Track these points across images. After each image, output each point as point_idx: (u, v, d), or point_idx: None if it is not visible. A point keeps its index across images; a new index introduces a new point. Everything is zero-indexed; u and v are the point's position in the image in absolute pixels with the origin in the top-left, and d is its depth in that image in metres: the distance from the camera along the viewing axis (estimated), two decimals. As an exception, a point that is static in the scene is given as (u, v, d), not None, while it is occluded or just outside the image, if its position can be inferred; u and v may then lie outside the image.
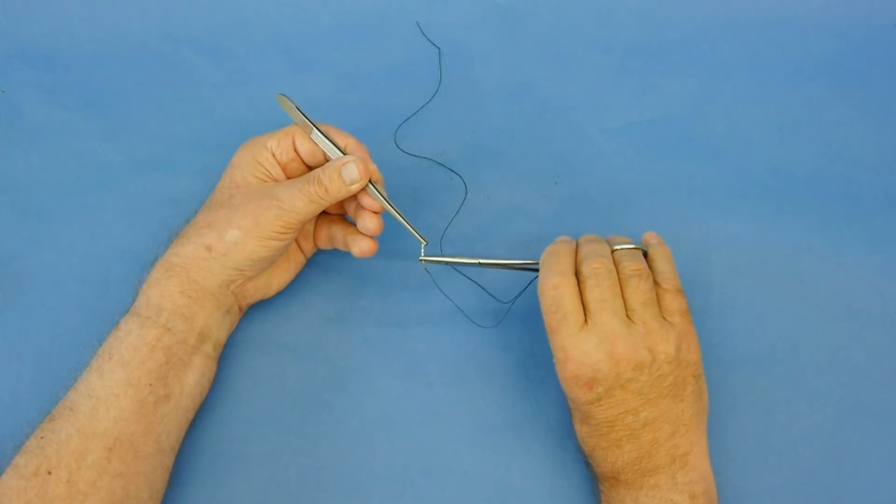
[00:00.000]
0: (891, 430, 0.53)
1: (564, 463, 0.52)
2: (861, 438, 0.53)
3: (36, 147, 0.62)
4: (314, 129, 0.50)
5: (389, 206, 0.51)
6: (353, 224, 0.53)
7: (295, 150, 0.51)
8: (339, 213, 0.55)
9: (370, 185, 0.50)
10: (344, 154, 0.50)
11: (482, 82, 0.65)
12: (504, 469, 0.52)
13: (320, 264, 0.58)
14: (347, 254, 0.54)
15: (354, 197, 0.51)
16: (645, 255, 0.50)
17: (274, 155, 0.50)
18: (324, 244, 0.55)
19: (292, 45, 0.66)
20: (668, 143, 0.63)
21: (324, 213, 0.56)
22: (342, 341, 0.55)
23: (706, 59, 0.66)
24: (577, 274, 0.48)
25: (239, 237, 0.48)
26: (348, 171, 0.48)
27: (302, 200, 0.48)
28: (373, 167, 0.50)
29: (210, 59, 0.65)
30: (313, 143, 0.50)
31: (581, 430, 0.48)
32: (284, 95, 0.50)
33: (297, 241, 0.55)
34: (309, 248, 0.56)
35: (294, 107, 0.50)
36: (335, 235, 0.54)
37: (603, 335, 0.45)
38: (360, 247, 0.52)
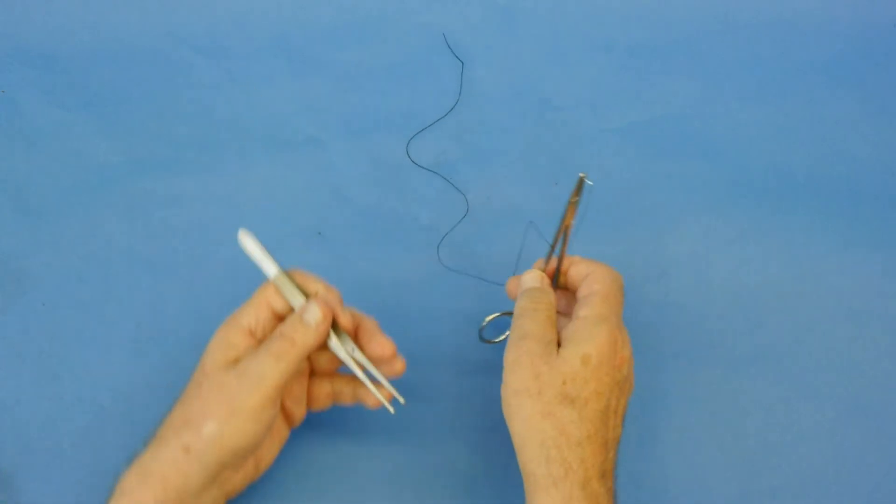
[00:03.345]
0: (891, 430, 0.53)
1: (564, 463, 0.52)
2: (861, 438, 0.53)
3: (36, 147, 0.62)
4: (278, 273, 0.45)
5: (354, 365, 0.46)
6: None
7: (274, 314, 0.45)
8: (335, 367, 0.50)
9: (333, 337, 0.45)
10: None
11: (483, 82, 0.65)
12: (504, 469, 0.52)
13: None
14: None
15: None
16: None
17: (251, 332, 0.44)
18: (322, 403, 0.49)
19: (292, 45, 0.66)
20: (668, 143, 0.63)
21: (323, 373, 0.50)
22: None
23: (706, 59, 0.66)
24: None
25: (216, 429, 0.41)
26: (311, 312, 0.44)
27: (269, 363, 0.42)
28: (345, 315, 0.45)
29: (210, 59, 0.65)
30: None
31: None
32: (246, 231, 0.45)
33: (283, 409, 0.48)
34: (299, 414, 0.48)
35: (257, 247, 0.44)
36: (342, 391, 0.48)
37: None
38: (379, 396, 0.47)
